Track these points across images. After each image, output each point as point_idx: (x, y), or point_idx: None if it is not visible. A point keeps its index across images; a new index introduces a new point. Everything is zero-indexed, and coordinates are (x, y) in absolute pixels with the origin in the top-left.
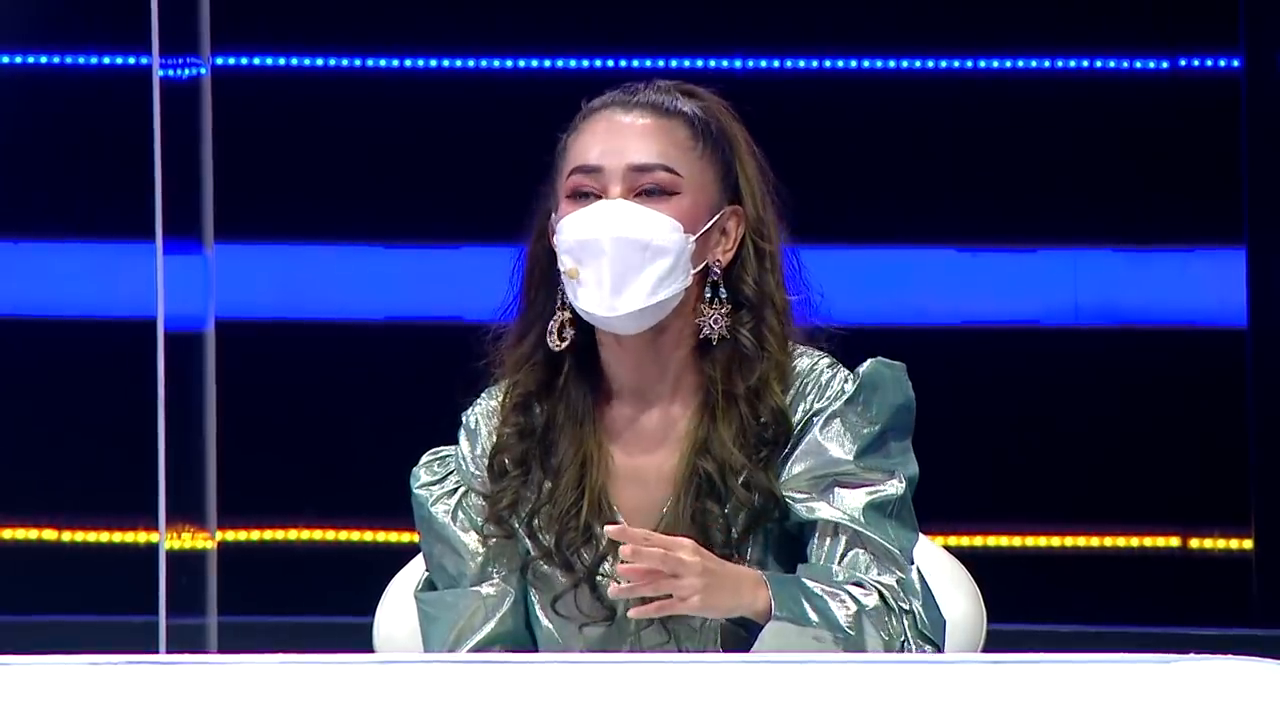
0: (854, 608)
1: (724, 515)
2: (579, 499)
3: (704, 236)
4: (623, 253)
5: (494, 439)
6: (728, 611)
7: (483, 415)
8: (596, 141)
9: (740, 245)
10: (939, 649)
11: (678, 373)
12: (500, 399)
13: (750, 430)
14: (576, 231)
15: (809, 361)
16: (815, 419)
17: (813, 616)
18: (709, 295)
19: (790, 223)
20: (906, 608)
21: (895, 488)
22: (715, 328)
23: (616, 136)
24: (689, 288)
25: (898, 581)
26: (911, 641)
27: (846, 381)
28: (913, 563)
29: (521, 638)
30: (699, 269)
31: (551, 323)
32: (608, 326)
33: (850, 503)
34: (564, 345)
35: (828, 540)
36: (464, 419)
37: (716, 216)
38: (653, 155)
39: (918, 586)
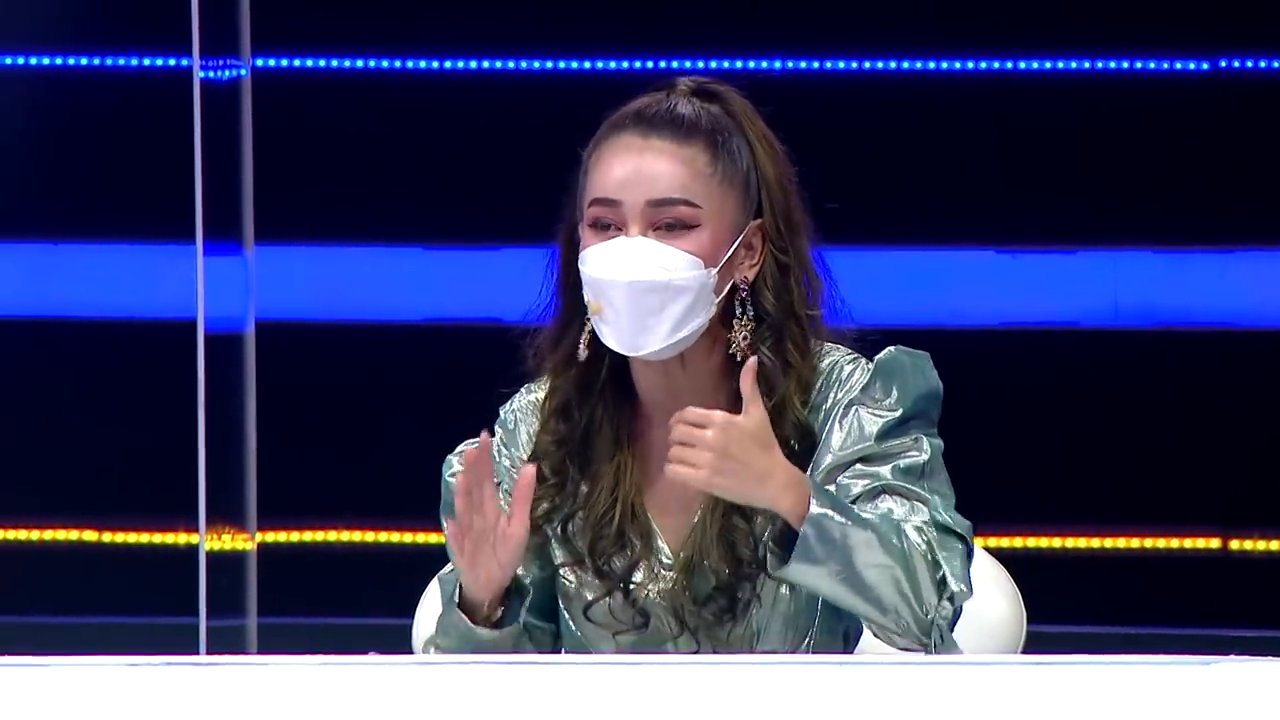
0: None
1: (751, 533)
2: (612, 506)
3: (728, 261)
4: (640, 297)
5: (533, 439)
6: (741, 498)
7: (521, 411)
8: (615, 170)
9: (763, 258)
10: (952, 616)
11: (707, 385)
12: (541, 397)
13: None
14: (597, 269)
15: (831, 360)
16: (835, 410)
17: (849, 514)
18: (737, 312)
19: (817, 224)
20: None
21: (922, 454)
22: (741, 344)
23: (635, 166)
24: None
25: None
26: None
27: (866, 374)
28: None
29: (533, 629)
30: (723, 294)
31: (582, 334)
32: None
33: (878, 470)
34: (588, 354)
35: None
36: (502, 414)
37: (740, 236)
38: (672, 189)
39: (957, 531)
